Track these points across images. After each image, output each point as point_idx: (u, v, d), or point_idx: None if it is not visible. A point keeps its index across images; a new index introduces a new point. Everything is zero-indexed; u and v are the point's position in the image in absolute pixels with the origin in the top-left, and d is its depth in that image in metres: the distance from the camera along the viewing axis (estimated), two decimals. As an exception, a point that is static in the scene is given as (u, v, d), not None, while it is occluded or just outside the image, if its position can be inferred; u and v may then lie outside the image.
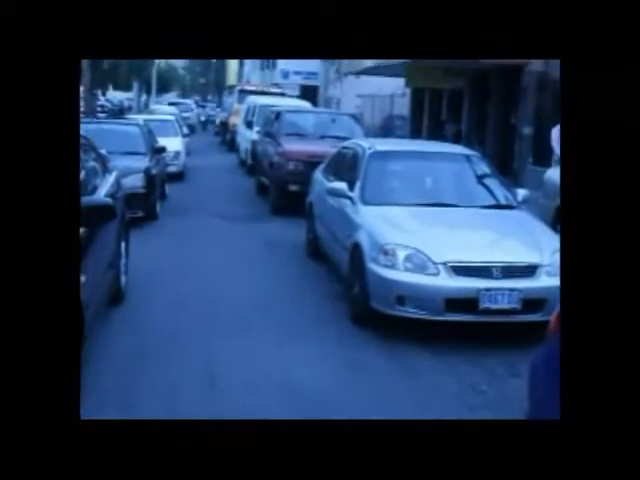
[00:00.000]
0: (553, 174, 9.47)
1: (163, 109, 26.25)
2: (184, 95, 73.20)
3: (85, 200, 4.43)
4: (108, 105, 40.47)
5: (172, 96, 63.47)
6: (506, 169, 13.79)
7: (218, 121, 33.44)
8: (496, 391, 4.75)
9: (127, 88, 46.09)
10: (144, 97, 49.53)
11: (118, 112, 35.72)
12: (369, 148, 7.33)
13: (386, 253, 5.71)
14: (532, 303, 5.55)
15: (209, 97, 69.68)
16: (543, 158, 12.87)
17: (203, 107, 42.39)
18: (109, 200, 4.85)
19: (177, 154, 15.20)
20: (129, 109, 40.47)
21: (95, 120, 12.15)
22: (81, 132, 4.94)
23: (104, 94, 44.25)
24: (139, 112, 31.03)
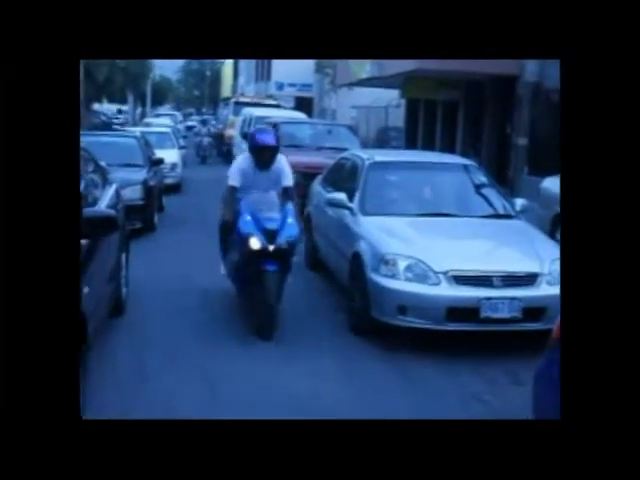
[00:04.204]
0: (549, 184, 9.52)
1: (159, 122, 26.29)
2: (178, 108, 73.32)
3: (88, 211, 4.43)
4: (121, 118, 39.65)
5: (166, 109, 63.56)
6: (501, 179, 13.83)
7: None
8: (499, 400, 4.75)
9: (122, 101, 46.17)
10: (139, 109, 49.60)
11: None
12: (368, 159, 7.35)
13: (387, 263, 5.72)
14: (533, 312, 5.57)
15: (204, 109, 69.78)
16: (538, 168, 12.93)
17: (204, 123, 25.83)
18: (112, 212, 4.86)
19: (174, 166, 15.22)
20: (124, 122, 40.48)
21: (93, 133, 12.15)
22: (80, 144, 4.94)
23: (120, 112, 43.44)
24: (134, 124, 31.03)
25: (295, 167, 11.16)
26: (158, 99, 64.11)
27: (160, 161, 11.95)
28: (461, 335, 5.65)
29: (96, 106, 37.80)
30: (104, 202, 5.69)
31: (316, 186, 8.65)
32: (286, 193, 6.11)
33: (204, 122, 26.43)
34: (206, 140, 24.48)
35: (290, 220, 5.81)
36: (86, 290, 4.06)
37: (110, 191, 6.20)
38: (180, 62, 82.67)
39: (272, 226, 5.74)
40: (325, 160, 9.75)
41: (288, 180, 6.17)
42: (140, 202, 9.76)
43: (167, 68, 64.29)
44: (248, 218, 5.78)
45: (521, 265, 5.82)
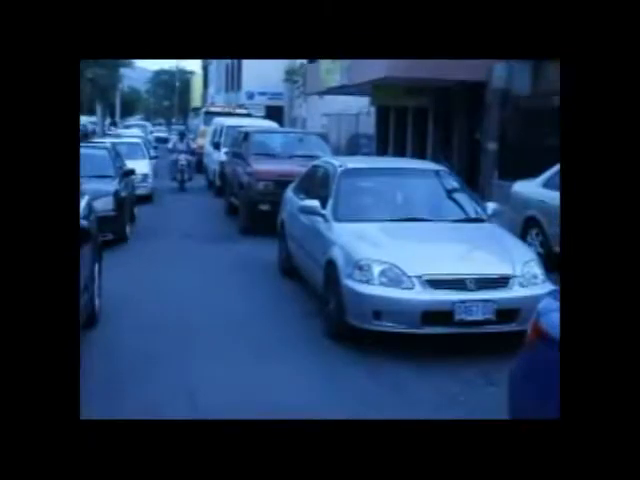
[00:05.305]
0: (520, 187, 9.65)
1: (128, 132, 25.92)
2: (147, 118, 72.91)
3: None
4: (113, 129, 38.82)
5: (136, 119, 63.15)
6: (472, 184, 13.96)
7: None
8: (475, 400, 4.79)
9: (90, 112, 45.83)
10: (108, 120, 49.25)
11: (83, 136, 35.34)
12: (340, 166, 7.39)
13: (361, 268, 5.75)
14: (506, 313, 5.63)
15: (173, 120, 69.52)
16: (508, 172, 13.08)
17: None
18: (84, 222, 4.83)
19: (145, 176, 15.15)
20: (93, 133, 40.15)
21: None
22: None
23: (113, 124, 42.77)
24: (103, 136, 30.79)
25: (267, 176, 11.25)
26: (127, 110, 63.75)
27: (131, 172, 11.89)
28: (436, 338, 5.69)
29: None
30: (76, 213, 5.64)
31: (289, 194, 8.67)
32: None
33: (182, 135, 20.23)
34: (184, 158, 18.62)
35: None
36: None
37: (82, 203, 6.15)
38: (149, 73, 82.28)
39: None
40: (297, 168, 9.78)
41: None
42: (112, 213, 9.70)
43: (136, 79, 64.01)
44: None
45: (494, 267, 5.88)
